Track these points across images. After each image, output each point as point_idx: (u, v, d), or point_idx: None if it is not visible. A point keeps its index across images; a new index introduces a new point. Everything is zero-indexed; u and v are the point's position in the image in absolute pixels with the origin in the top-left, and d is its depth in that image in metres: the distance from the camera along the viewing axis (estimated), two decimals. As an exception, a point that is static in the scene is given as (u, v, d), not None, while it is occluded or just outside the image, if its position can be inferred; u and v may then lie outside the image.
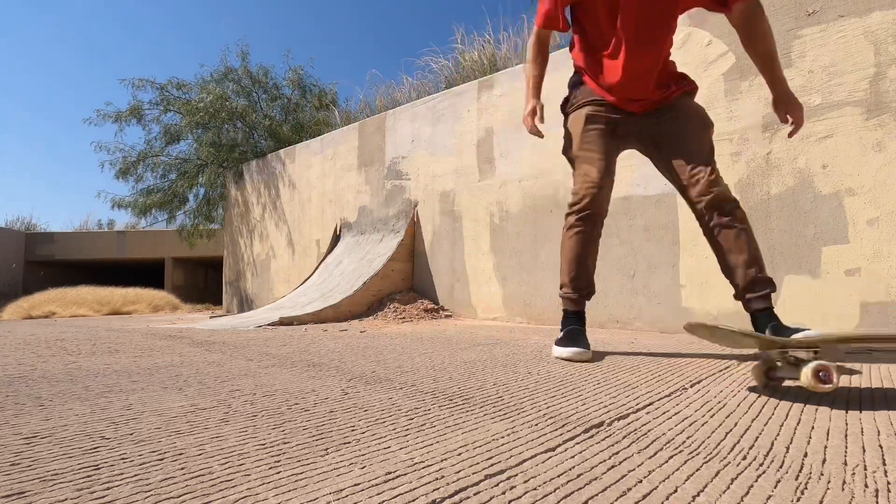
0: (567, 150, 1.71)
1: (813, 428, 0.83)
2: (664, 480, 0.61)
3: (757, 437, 0.78)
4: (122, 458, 0.70)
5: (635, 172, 2.57)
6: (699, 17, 2.40)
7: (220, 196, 6.87)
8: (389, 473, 0.63)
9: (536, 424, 0.85)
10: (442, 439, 0.77)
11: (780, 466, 0.66)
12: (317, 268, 4.29)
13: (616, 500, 0.56)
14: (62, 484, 0.61)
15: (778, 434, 0.80)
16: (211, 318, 4.37)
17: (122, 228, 11.21)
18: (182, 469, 0.65)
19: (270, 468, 0.66)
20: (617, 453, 0.71)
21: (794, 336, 1.14)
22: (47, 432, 0.82)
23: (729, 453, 0.71)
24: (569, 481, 0.61)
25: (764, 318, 1.41)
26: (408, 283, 3.74)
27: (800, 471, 0.65)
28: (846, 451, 0.72)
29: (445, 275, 3.52)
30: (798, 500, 0.56)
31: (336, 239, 4.45)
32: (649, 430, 0.82)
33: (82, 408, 0.98)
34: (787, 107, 1.51)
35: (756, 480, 0.61)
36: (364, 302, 3.44)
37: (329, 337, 2.29)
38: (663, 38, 1.55)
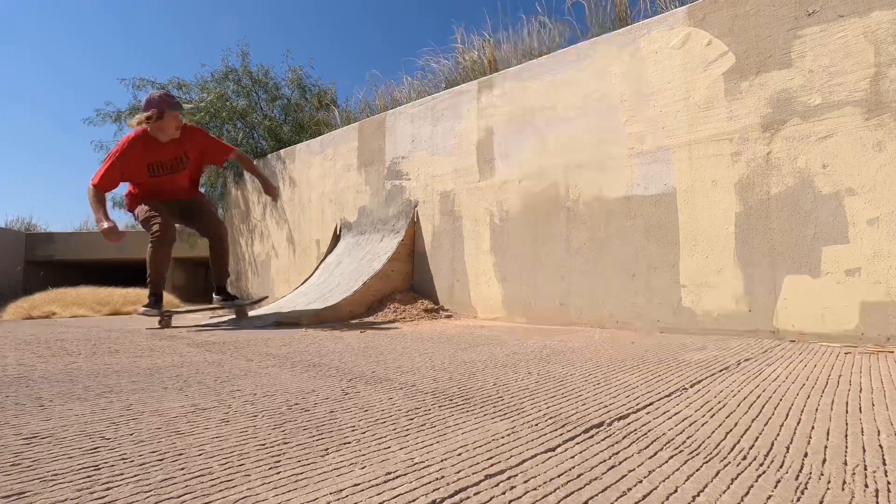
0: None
1: (813, 428, 0.83)
2: (664, 480, 0.61)
3: (757, 437, 0.78)
4: (123, 459, 0.70)
5: (636, 172, 2.58)
6: (699, 16, 2.40)
7: (221, 196, 6.87)
8: (389, 473, 0.63)
9: (536, 424, 0.85)
10: (442, 439, 0.77)
11: (780, 466, 0.66)
12: (317, 268, 4.28)
13: (616, 500, 0.56)
14: (62, 484, 0.61)
15: (778, 434, 0.80)
16: (211, 318, 4.37)
17: (122, 228, 11.19)
18: (182, 469, 0.66)
19: (270, 468, 0.66)
20: (617, 453, 0.71)
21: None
22: (47, 432, 0.82)
23: (729, 453, 0.71)
24: (569, 481, 0.61)
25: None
26: (408, 283, 3.74)
27: (800, 471, 0.65)
28: (846, 451, 0.72)
29: (445, 275, 3.51)
30: (798, 500, 0.56)
31: (336, 239, 4.45)
32: (649, 430, 0.82)
33: (82, 408, 0.98)
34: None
35: (756, 480, 0.61)
36: (364, 302, 3.44)
37: (329, 337, 2.29)
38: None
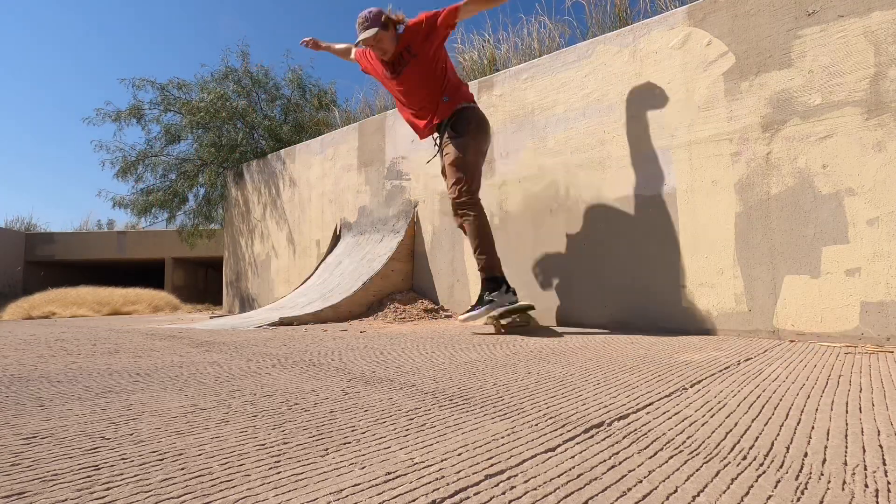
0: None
1: (813, 428, 0.83)
2: (664, 480, 0.61)
3: (757, 437, 0.78)
4: (122, 459, 0.70)
5: (636, 172, 2.57)
6: (699, 16, 2.40)
7: (221, 196, 6.88)
8: (389, 473, 0.63)
9: (536, 424, 0.85)
10: (442, 439, 0.77)
11: (780, 466, 0.66)
12: (317, 268, 4.28)
13: (616, 500, 0.56)
14: (62, 484, 0.61)
15: (778, 434, 0.80)
16: (211, 318, 4.37)
17: (122, 228, 11.20)
18: (182, 469, 0.65)
19: (270, 468, 0.66)
20: (617, 453, 0.71)
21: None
22: (47, 432, 0.82)
23: (729, 453, 0.71)
24: (569, 481, 0.61)
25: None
26: (408, 283, 3.74)
27: (800, 471, 0.64)
28: (846, 451, 0.72)
29: (445, 275, 3.51)
30: (798, 500, 0.56)
31: (336, 239, 4.45)
32: (649, 430, 0.82)
33: (82, 408, 0.98)
34: None
35: (756, 480, 0.61)
36: (364, 302, 3.44)
37: (329, 337, 2.29)
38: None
